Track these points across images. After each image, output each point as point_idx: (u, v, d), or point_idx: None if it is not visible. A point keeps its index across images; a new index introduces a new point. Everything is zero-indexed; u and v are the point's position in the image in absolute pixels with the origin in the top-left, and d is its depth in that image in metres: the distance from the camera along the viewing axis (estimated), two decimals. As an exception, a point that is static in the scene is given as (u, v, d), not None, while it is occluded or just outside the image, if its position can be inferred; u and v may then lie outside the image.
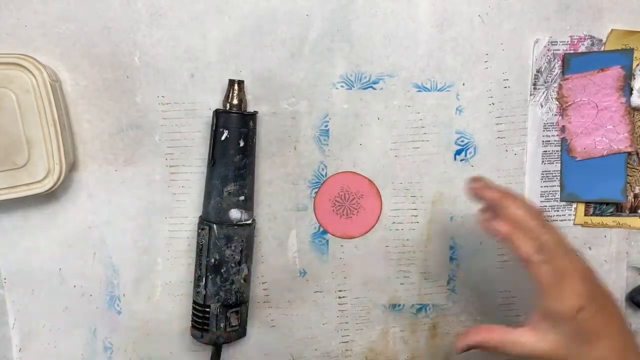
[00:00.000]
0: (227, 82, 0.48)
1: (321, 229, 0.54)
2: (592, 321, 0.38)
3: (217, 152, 0.47)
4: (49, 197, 0.49)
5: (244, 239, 0.48)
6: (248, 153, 0.48)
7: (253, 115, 0.48)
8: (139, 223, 0.52)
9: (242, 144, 0.47)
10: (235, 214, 0.48)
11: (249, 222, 0.49)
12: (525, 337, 0.41)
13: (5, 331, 0.52)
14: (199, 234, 0.49)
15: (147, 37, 0.49)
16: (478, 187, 0.41)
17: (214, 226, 0.48)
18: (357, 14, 0.50)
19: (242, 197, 0.48)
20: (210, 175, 0.48)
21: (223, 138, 0.47)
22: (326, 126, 0.52)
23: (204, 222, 0.48)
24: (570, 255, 0.39)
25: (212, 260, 0.47)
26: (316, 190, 0.53)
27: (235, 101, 0.47)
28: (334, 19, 0.50)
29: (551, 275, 0.38)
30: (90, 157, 0.50)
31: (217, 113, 0.47)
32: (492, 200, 0.40)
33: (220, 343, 0.49)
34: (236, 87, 0.48)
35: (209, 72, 0.50)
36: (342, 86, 0.51)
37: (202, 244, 0.48)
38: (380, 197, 0.54)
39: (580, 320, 0.38)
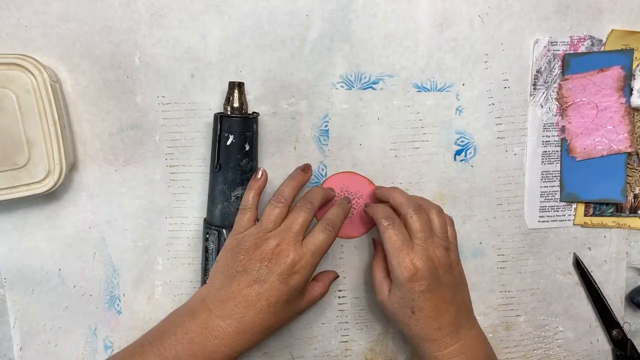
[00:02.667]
0: (227, 83, 0.48)
1: (321, 229, 0.54)
2: (420, 296, 0.44)
3: (222, 157, 0.47)
4: (49, 197, 0.50)
5: None
6: (253, 156, 0.48)
7: (256, 118, 0.48)
8: (139, 223, 0.52)
9: (247, 147, 0.47)
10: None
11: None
12: (372, 270, 0.50)
13: (6, 330, 0.52)
14: (206, 239, 0.49)
15: (147, 37, 0.49)
16: (377, 192, 0.52)
17: (224, 231, 0.48)
18: (357, 14, 0.50)
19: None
20: (215, 179, 0.48)
21: (228, 143, 0.47)
22: (326, 126, 0.52)
23: (212, 226, 0.48)
24: (432, 239, 0.46)
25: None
26: (316, 190, 0.53)
27: (236, 104, 0.47)
28: (334, 19, 0.50)
29: (400, 241, 0.45)
30: (90, 157, 0.50)
31: (220, 117, 0.47)
32: (381, 193, 0.51)
33: None
34: (237, 90, 0.47)
35: (209, 72, 0.50)
36: (342, 86, 0.51)
37: (211, 249, 0.48)
38: (380, 197, 0.54)
39: (409, 290, 0.44)
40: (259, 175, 0.48)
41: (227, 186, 0.48)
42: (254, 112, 0.49)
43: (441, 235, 0.46)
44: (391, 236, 0.45)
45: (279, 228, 0.45)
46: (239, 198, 0.48)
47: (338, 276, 0.53)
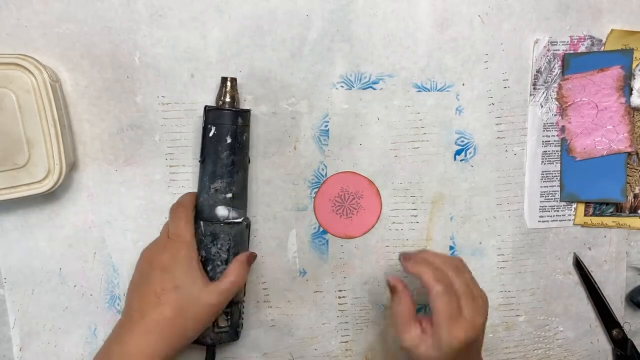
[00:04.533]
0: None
1: (321, 229, 0.54)
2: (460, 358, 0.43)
3: (205, 149, 0.47)
4: (49, 197, 0.49)
5: (231, 237, 0.47)
6: (237, 150, 0.47)
7: (243, 112, 0.47)
8: (139, 223, 0.52)
9: (229, 140, 0.46)
10: (222, 211, 0.47)
11: (238, 220, 0.48)
12: (412, 331, 0.45)
13: (6, 331, 0.52)
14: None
15: (147, 37, 0.49)
16: (407, 265, 0.47)
17: (201, 223, 0.47)
18: (357, 14, 0.50)
19: (229, 195, 0.47)
20: (200, 172, 0.48)
21: (211, 134, 0.47)
22: (326, 126, 0.52)
23: (195, 219, 0.48)
24: (475, 302, 0.44)
25: (199, 258, 0.46)
26: (316, 190, 0.53)
27: (227, 98, 0.47)
28: (334, 19, 0.50)
29: (448, 310, 0.43)
30: (90, 157, 0.50)
31: (205, 109, 0.47)
32: (415, 263, 0.46)
33: (209, 344, 0.48)
34: (228, 83, 0.47)
35: (209, 72, 0.50)
36: (342, 86, 0.51)
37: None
38: (380, 197, 0.54)
39: (451, 355, 0.42)
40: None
41: (207, 178, 0.47)
42: (245, 108, 0.49)
43: (480, 299, 0.46)
44: (445, 306, 0.43)
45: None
46: (219, 191, 0.47)
47: (254, 256, 0.49)
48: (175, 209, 0.47)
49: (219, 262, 0.47)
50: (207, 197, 0.47)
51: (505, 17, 0.51)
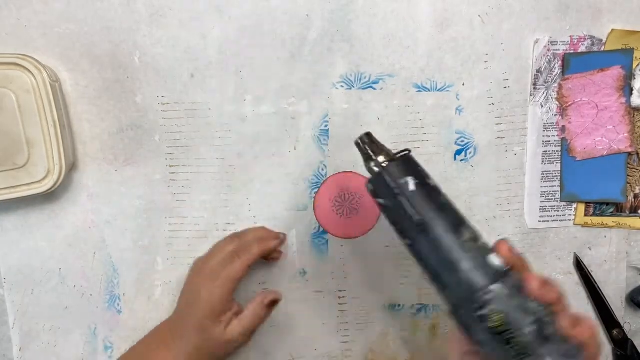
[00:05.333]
0: (227, 82, 0.48)
1: (321, 229, 0.54)
2: None
3: (420, 211, 0.35)
4: (49, 197, 0.49)
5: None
6: (437, 186, 0.38)
7: (409, 153, 0.38)
8: (139, 223, 0.52)
9: (432, 182, 0.37)
10: (494, 259, 0.35)
11: (502, 265, 0.35)
12: None
13: (5, 331, 0.52)
14: (487, 317, 0.34)
15: (147, 37, 0.49)
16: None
17: (498, 287, 0.33)
18: (357, 14, 0.50)
19: (480, 236, 0.36)
20: (427, 245, 0.36)
21: (412, 188, 0.36)
22: (326, 126, 0.52)
23: (471, 302, 0.34)
24: None
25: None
26: (316, 190, 0.53)
27: (382, 157, 0.37)
28: (334, 19, 0.50)
29: None
30: (90, 157, 0.50)
31: (381, 174, 0.37)
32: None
33: None
34: (367, 140, 0.38)
35: (209, 72, 0.50)
36: (342, 86, 0.51)
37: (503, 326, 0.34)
38: (380, 197, 0.54)
39: None
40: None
41: (450, 235, 0.35)
42: (405, 150, 0.38)
43: None
44: None
45: (210, 267, 0.49)
46: (472, 239, 0.35)
47: (276, 300, 0.50)
48: (252, 244, 0.49)
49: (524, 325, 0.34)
50: (467, 256, 0.34)
51: (505, 17, 0.51)
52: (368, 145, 0.38)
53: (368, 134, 0.39)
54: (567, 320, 0.33)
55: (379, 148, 0.38)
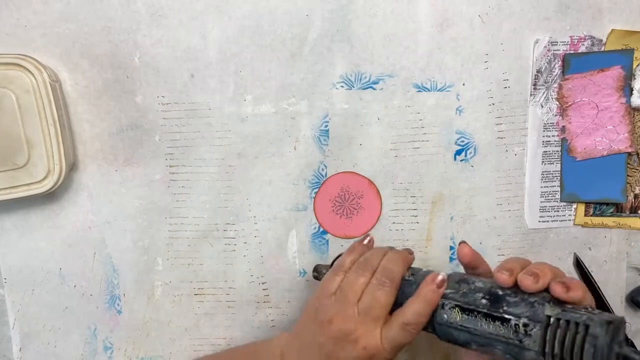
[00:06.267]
0: (227, 82, 0.48)
1: (321, 229, 0.54)
2: None
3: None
4: (49, 197, 0.49)
5: None
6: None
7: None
8: (139, 223, 0.52)
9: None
10: (436, 277, 0.40)
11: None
12: None
13: (5, 331, 0.52)
14: (451, 317, 0.39)
15: (147, 37, 0.49)
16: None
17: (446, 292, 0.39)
18: (357, 14, 0.50)
19: (419, 269, 0.43)
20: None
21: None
22: (326, 126, 0.52)
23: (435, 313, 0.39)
24: None
25: None
26: (316, 190, 0.53)
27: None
28: (334, 19, 0.50)
29: None
30: (90, 157, 0.50)
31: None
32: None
33: None
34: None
35: (209, 72, 0.50)
36: (342, 86, 0.51)
37: None
38: (380, 197, 0.54)
39: None
40: (366, 241, 0.46)
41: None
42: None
43: None
44: None
45: (357, 306, 0.41)
46: (413, 274, 0.42)
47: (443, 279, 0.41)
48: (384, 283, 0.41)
49: None
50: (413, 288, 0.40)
51: (505, 17, 0.51)
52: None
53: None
54: (559, 287, 0.36)
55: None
